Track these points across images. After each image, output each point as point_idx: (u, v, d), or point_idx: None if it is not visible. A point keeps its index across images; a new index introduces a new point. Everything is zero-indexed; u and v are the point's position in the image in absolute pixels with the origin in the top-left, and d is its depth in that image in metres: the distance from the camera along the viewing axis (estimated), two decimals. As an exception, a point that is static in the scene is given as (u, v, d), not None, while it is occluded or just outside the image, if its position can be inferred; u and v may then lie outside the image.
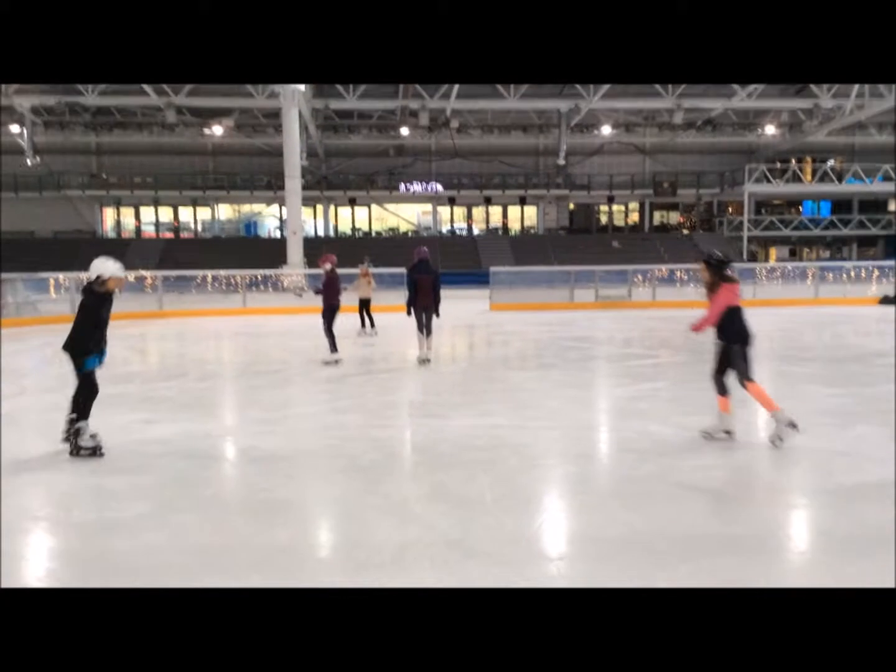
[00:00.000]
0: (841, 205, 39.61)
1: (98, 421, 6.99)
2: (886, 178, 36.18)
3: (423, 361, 10.23)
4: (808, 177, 38.50)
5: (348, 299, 11.57)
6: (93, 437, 5.77)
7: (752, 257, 37.60)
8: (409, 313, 10.38)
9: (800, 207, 41.02)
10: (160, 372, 10.86)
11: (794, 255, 40.35)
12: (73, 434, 5.69)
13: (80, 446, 5.68)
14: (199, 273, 21.87)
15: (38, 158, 34.54)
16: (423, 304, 10.24)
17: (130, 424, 6.77)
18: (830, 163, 38.65)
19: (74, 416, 5.69)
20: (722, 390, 5.94)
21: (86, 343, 5.65)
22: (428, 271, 10.28)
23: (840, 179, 37.65)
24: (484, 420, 6.74)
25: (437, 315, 10.45)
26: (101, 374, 5.91)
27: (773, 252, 40.29)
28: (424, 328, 10.30)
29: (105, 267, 5.68)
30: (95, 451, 5.69)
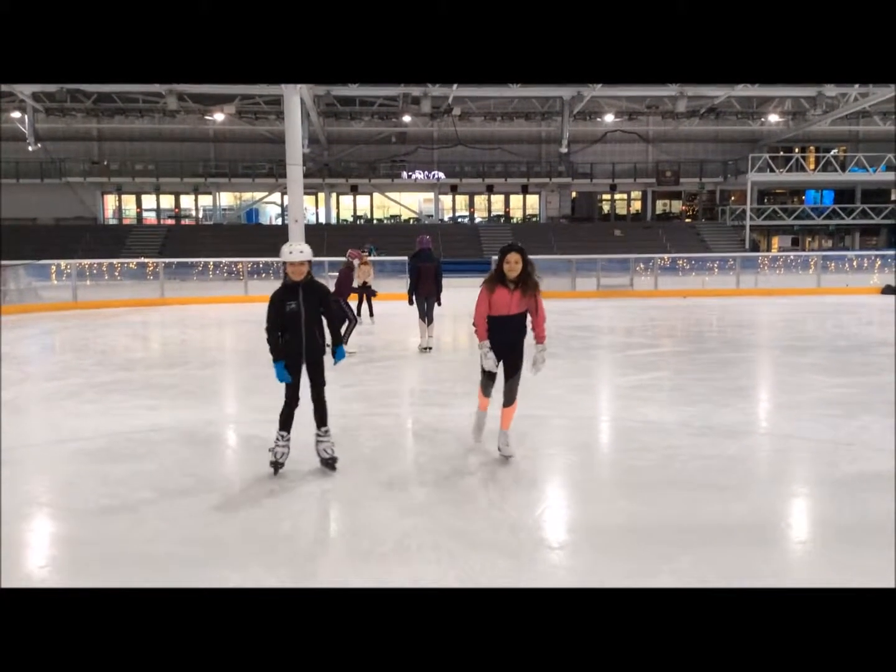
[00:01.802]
0: (844, 194, 39.43)
1: (100, 407, 7.03)
2: (890, 167, 36.02)
3: (425, 350, 10.23)
4: (812, 165, 38.35)
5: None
6: (275, 450, 4.96)
7: (755, 246, 37.51)
8: (410, 302, 10.38)
9: (802, 196, 40.88)
10: (162, 359, 10.86)
11: (796, 244, 40.22)
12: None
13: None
14: (201, 260, 21.84)
15: (39, 145, 34.44)
16: (425, 293, 10.25)
17: (133, 411, 6.78)
18: (834, 151, 38.50)
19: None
20: (490, 392, 5.51)
21: (270, 342, 4.83)
22: (430, 259, 10.28)
23: (843, 168, 37.49)
24: (486, 409, 6.74)
25: (439, 303, 10.46)
26: (102, 361, 5.89)
27: (775, 241, 40.19)
28: (426, 316, 10.31)
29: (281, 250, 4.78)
30: (272, 466, 4.95)
